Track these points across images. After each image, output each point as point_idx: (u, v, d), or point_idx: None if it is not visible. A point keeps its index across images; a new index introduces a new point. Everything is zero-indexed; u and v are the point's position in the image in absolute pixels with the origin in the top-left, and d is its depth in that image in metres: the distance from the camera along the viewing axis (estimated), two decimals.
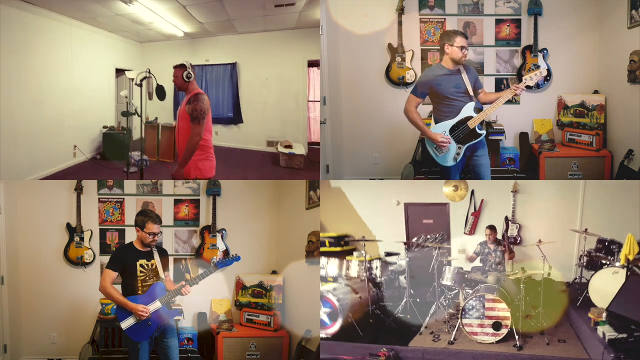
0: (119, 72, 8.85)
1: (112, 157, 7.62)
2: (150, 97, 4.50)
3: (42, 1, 5.86)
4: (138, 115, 5.07)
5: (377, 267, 4.77)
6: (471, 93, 3.92)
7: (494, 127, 5.47)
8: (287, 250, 5.01)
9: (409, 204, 5.77)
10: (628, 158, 4.92)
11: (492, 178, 5.23)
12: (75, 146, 7.28)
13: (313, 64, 8.50)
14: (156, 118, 8.39)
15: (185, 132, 3.70)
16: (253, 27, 8.39)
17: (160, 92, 4.39)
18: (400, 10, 5.58)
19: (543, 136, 5.64)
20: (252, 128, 9.14)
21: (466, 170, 4.19)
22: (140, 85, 4.50)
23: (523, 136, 5.75)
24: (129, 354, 3.36)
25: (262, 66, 9.02)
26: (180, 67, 3.80)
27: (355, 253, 5.05)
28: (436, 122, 4.06)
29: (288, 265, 4.95)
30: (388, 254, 5.25)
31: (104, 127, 8.03)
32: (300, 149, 7.84)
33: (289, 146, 7.85)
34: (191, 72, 3.78)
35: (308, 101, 8.72)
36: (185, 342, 4.63)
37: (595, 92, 5.53)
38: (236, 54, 9.19)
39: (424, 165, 5.53)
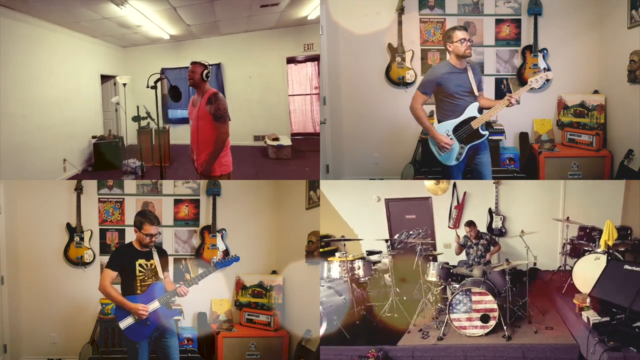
0: (104, 78, 8.69)
1: (105, 168, 7.47)
2: (164, 99, 4.41)
3: (24, 6, 5.67)
4: (151, 119, 5.02)
5: (359, 267, 4.69)
6: (476, 93, 3.91)
7: (494, 127, 5.47)
8: (287, 250, 5.01)
9: (390, 199, 5.72)
10: (628, 158, 4.92)
11: (493, 178, 5.26)
12: (64, 160, 7.02)
13: (291, 60, 9.42)
14: (148, 123, 8.24)
15: (205, 132, 3.79)
16: (236, 28, 8.67)
17: (174, 94, 4.32)
18: (400, 10, 5.58)
19: (543, 136, 5.64)
20: (238, 124, 9.31)
21: (467, 170, 4.19)
22: (155, 88, 4.41)
23: (523, 136, 5.75)
24: (128, 354, 3.35)
25: (245, 65, 9.28)
26: (199, 65, 3.82)
27: (337, 254, 4.90)
28: (439, 122, 4.04)
29: (288, 265, 4.95)
30: (370, 253, 5.16)
31: (93, 136, 7.83)
32: (286, 141, 8.45)
33: (276, 139, 8.43)
34: (210, 72, 3.83)
35: (289, 95, 9.54)
36: (185, 342, 4.63)
37: (595, 92, 5.53)
38: (220, 55, 9.35)
39: (424, 165, 5.53)
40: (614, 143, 5.31)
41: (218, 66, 9.32)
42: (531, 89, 3.96)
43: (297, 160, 7.99)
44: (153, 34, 8.53)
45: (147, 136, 7.94)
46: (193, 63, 3.85)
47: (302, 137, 9.76)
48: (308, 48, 9.16)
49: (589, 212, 5.02)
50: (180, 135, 6.81)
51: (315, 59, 9.70)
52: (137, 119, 5.62)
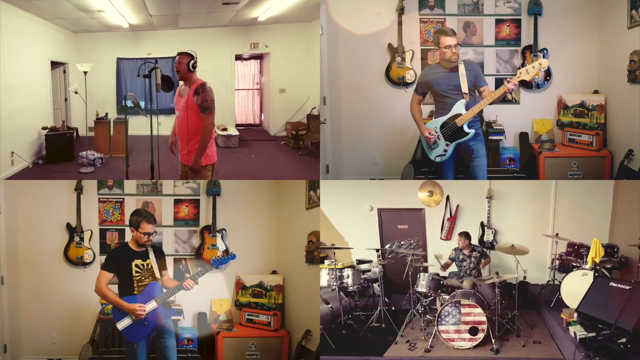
0: (53, 65, 8.23)
1: (59, 160, 7.14)
2: (157, 89, 4.33)
3: None
4: (140, 110, 4.97)
5: (348, 276, 4.64)
6: (465, 91, 3.92)
7: (494, 127, 5.47)
8: (287, 250, 5.01)
9: (382, 209, 5.69)
10: (628, 158, 4.92)
11: (493, 178, 5.27)
12: (12, 153, 6.48)
13: (238, 57, 10.43)
14: (107, 114, 8.30)
15: (192, 123, 3.80)
16: (194, 23, 8.98)
17: (166, 84, 4.25)
18: (400, 10, 5.58)
19: (543, 136, 5.64)
20: None
21: (460, 170, 4.21)
22: (148, 77, 4.32)
23: (523, 136, 5.75)
24: (126, 354, 3.35)
25: (198, 60, 9.34)
26: (186, 55, 3.84)
27: (326, 261, 4.79)
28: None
29: (288, 265, 4.95)
30: (360, 262, 5.09)
31: (44, 128, 7.34)
32: (234, 131, 9.10)
33: (225, 129, 8.99)
34: (197, 62, 3.84)
35: (235, 90, 10.45)
36: (185, 342, 4.63)
37: (595, 92, 5.53)
38: (175, 49, 9.28)
39: (424, 165, 5.53)
40: (614, 143, 5.31)
41: (174, 59, 9.56)
42: (529, 83, 3.90)
43: (243, 148, 8.73)
44: (112, 21, 8.30)
45: (104, 127, 7.87)
46: (180, 54, 3.86)
47: (244, 127, 10.79)
48: (254, 47, 9.87)
49: (578, 229, 5.07)
50: (137, 127, 6.68)
51: (258, 57, 10.67)
52: (123, 109, 5.41)
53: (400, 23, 5.61)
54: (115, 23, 8.49)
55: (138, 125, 6.51)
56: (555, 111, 5.71)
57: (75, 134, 7.69)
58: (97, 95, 8.23)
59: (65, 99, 8.88)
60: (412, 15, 5.67)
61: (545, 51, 5.54)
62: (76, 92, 7.04)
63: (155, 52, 9.39)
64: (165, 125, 4.61)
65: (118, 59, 9.64)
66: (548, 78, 5.62)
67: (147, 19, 8.24)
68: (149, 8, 7.32)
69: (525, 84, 5.58)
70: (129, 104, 5.31)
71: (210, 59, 9.32)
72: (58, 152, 7.20)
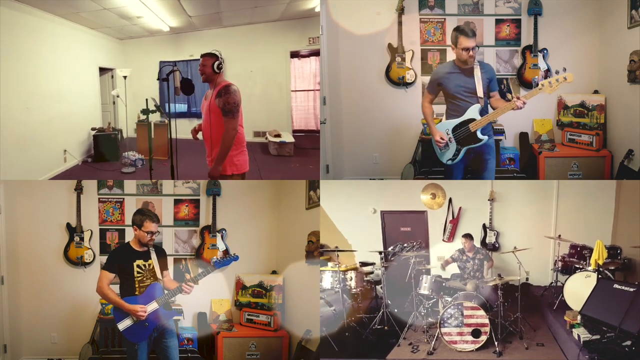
0: (101, 70, 8.76)
1: (105, 159, 7.64)
2: (177, 92, 4.28)
3: None
4: (161, 112, 4.99)
5: (351, 278, 4.62)
6: (480, 95, 3.82)
7: (494, 127, 5.46)
8: (287, 250, 5.01)
9: (385, 212, 5.69)
10: (628, 158, 4.92)
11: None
12: (65, 151, 7.16)
13: (295, 54, 8.99)
14: (148, 116, 8.31)
15: (216, 127, 3.63)
16: (239, 20, 8.49)
17: (187, 86, 4.17)
18: (401, 11, 5.58)
19: (543, 136, 5.64)
20: None
21: (471, 171, 4.18)
22: (167, 80, 4.26)
23: (523, 136, 5.75)
24: (127, 355, 3.35)
25: (247, 59, 8.99)
26: (210, 57, 3.68)
27: (329, 264, 4.77)
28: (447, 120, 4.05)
29: (288, 265, 4.95)
30: (363, 264, 5.08)
31: (93, 128, 7.94)
32: (289, 137, 8.20)
33: (278, 135, 8.19)
34: (223, 63, 3.68)
35: (291, 91, 9.18)
36: (185, 342, 4.63)
37: (595, 92, 5.53)
38: (221, 48, 9.16)
39: (424, 165, 5.53)
40: (614, 143, 5.31)
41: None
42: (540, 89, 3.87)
43: (300, 157, 7.85)
44: (152, 26, 8.47)
45: (146, 130, 7.90)
46: (203, 55, 3.71)
47: (304, 134, 9.52)
48: (313, 42, 8.78)
49: (580, 231, 5.07)
50: (178, 130, 6.76)
51: (320, 53, 9.64)
52: (146, 112, 5.49)
53: (400, 23, 5.61)
54: (156, 27, 8.66)
55: (179, 128, 6.54)
56: (555, 111, 5.71)
57: (120, 135, 8.14)
58: (142, 99, 8.23)
59: (113, 102, 9.19)
60: (412, 15, 5.67)
61: (545, 51, 5.54)
62: (118, 96, 7.41)
63: (198, 53, 9.24)
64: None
65: (161, 62, 9.52)
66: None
67: (187, 21, 8.20)
68: (187, 9, 7.32)
69: (526, 84, 5.58)
70: (150, 107, 5.39)
71: (260, 57, 8.88)
72: (104, 152, 7.75)
